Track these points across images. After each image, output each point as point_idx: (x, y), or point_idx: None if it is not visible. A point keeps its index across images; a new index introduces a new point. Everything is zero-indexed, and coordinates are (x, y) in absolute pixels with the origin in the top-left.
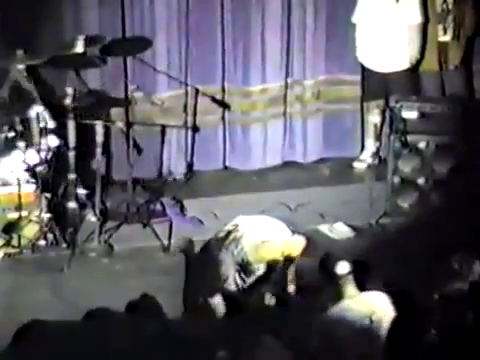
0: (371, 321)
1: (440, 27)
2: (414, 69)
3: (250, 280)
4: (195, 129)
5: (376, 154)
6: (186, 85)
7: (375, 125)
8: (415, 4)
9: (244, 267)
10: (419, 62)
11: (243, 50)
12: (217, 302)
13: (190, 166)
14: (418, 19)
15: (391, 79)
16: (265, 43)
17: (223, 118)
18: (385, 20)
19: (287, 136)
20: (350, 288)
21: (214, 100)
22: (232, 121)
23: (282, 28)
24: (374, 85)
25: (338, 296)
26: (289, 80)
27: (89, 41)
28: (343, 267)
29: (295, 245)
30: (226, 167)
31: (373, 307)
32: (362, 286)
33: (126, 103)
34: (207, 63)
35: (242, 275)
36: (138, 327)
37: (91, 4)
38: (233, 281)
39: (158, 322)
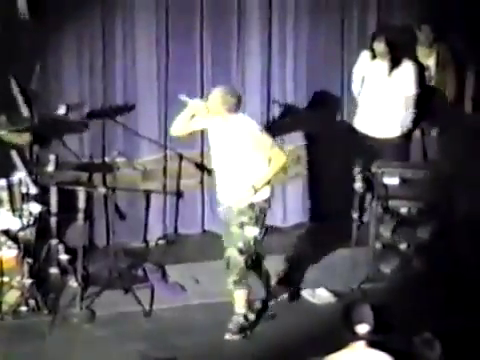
0: None
1: None
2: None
3: None
4: (178, 194)
5: (359, 219)
6: (165, 149)
7: (358, 191)
8: (411, 77)
9: None
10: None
11: None
12: None
13: (175, 229)
14: (413, 91)
15: (379, 145)
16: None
17: (202, 182)
18: (380, 91)
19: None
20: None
21: (197, 165)
22: (211, 185)
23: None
24: (362, 151)
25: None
26: None
27: (70, 108)
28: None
29: None
30: (204, 231)
31: None
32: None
33: (108, 169)
34: None
35: None
36: None
37: (73, 72)
38: None
39: None
